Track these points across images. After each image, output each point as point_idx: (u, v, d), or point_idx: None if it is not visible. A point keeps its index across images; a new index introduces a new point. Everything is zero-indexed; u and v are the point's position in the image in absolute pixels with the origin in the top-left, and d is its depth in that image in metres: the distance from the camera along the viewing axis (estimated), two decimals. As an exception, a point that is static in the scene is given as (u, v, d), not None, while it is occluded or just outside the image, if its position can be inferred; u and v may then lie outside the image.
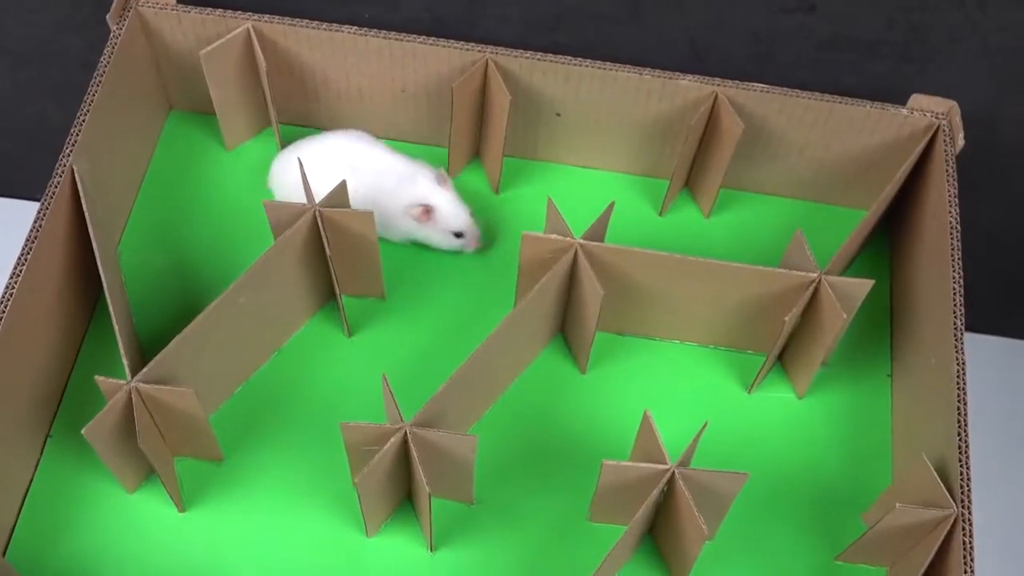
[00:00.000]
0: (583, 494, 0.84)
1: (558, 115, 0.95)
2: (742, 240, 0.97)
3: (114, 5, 0.90)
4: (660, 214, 0.98)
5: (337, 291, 0.87)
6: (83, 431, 0.75)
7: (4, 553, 0.82)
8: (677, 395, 0.90)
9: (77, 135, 0.85)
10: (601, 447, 0.87)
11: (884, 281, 0.96)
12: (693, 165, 0.95)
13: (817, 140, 0.92)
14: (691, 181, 0.97)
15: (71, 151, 0.84)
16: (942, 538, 0.75)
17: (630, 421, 0.86)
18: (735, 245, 0.97)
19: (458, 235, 0.92)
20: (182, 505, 0.84)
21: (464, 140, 0.95)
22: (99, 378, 0.77)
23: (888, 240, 0.98)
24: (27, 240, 0.80)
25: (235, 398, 0.89)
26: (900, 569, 0.80)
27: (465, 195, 0.98)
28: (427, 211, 0.90)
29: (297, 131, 1.00)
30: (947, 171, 0.88)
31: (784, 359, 0.91)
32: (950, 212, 0.85)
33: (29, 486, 0.84)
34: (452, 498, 0.85)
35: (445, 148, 0.98)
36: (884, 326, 0.94)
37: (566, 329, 0.91)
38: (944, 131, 0.89)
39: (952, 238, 0.84)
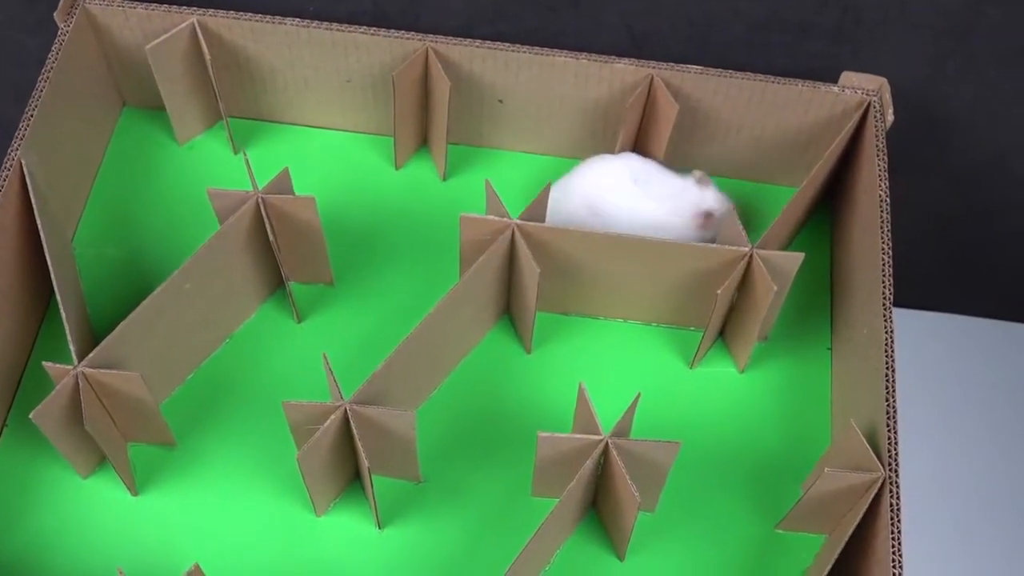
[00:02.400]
0: (526, 470, 0.86)
1: (500, 102, 0.97)
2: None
3: (61, 3, 0.92)
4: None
5: (285, 277, 0.89)
6: (31, 415, 0.77)
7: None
8: (621, 372, 0.92)
9: (25, 130, 0.87)
10: (545, 424, 0.89)
11: (825, 256, 0.98)
12: (633, 147, 0.97)
13: (753, 120, 0.94)
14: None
15: (19, 146, 0.86)
16: (871, 500, 0.77)
17: (572, 397, 0.88)
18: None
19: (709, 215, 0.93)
20: (135, 489, 0.86)
21: (409, 128, 0.97)
22: (47, 364, 0.79)
23: (829, 216, 1.00)
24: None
25: (187, 384, 0.90)
26: (835, 534, 0.82)
27: (413, 183, 1.00)
28: (708, 216, 0.91)
29: (248, 124, 1.02)
30: (878, 146, 0.90)
31: (724, 334, 0.93)
32: (880, 187, 0.87)
33: (-16, 473, 0.86)
34: (399, 476, 0.86)
35: (391, 137, 0.99)
36: (825, 300, 0.96)
37: (511, 310, 0.93)
38: (875, 107, 0.91)
39: (882, 212, 0.86)
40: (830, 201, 1.00)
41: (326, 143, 1.02)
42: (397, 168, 1.00)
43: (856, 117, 0.91)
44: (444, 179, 1.00)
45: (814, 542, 0.85)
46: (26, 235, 0.87)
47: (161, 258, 0.96)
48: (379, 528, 0.85)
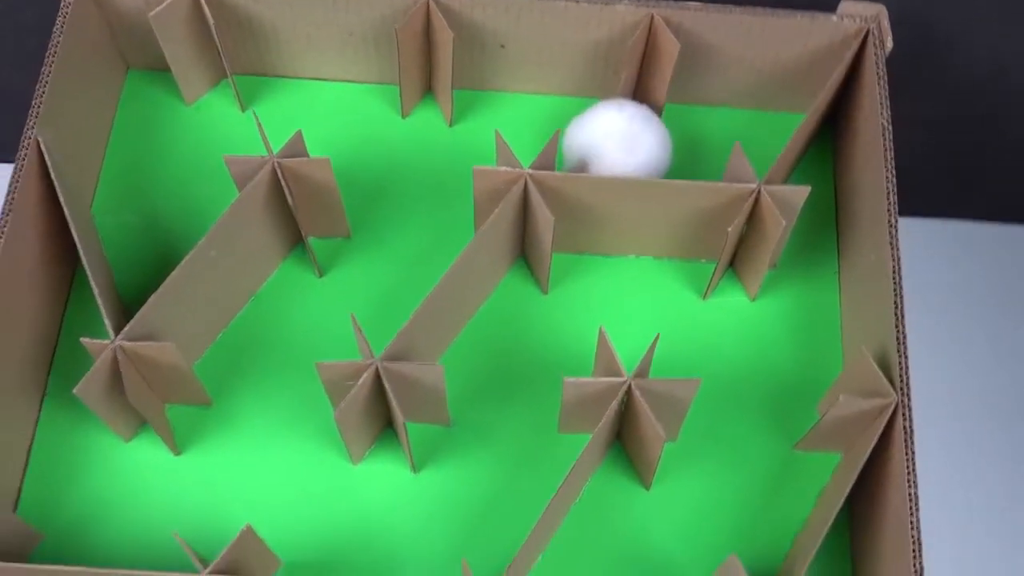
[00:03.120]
0: (551, 408, 0.90)
1: (502, 47, 0.97)
2: (691, 149, 1.01)
3: (62, -27, 0.93)
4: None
5: (304, 236, 0.91)
6: (74, 391, 0.80)
7: (15, 510, 0.87)
8: (636, 307, 0.95)
9: (39, 107, 0.88)
10: (566, 362, 0.92)
11: (829, 183, 1.00)
12: (637, 85, 0.98)
13: (753, 52, 0.96)
14: (636, 99, 1.01)
15: (34, 123, 0.88)
16: (885, 424, 0.80)
17: (591, 335, 0.91)
18: (685, 154, 1.00)
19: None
20: (176, 449, 0.89)
21: (413, 78, 0.98)
22: (84, 340, 0.81)
23: (831, 145, 1.02)
24: (2, 213, 0.84)
25: (217, 344, 0.93)
26: (851, 455, 0.85)
27: (420, 130, 1.01)
28: None
29: (253, 80, 1.03)
30: (878, 73, 0.91)
31: (735, 265, 0.95)
32: (881, 114, 0.89)
33: (31, 445, 0.89)
34: (429, 422, 0.90)
35: (396, 85, 1.01)
36: (830, 227, 0.98)
37: (526, 253, 0.95)
38: (873, 35, 0.92)
39: (884, 140, 0.88)
40: (831, 129, 1.02)
41: (332, 95, 1.03)
42: (404, 116, 1.02)
43: (855, 46, 0.93)
44: (451, 125, 1.02)
45: (830, 460, 0.89)
46: (48, 211, 0.89)
47: (180, 222, 0.98)
48: (414, 472, 0.89)
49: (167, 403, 0.91)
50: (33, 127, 0.87)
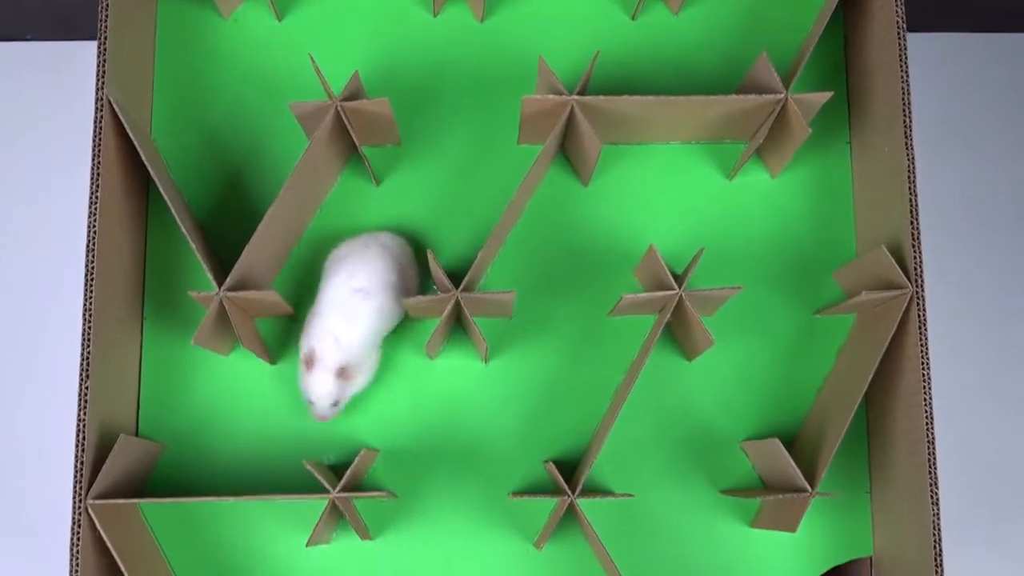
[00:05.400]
0: (602, 294, 1.01)
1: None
2: (710, 35, 1.06)
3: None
4: (632, 18, 1.06)
5: (359, 146, 0.97)
6: (193, 341, 0.90)
7: (136, 431, 0.99)
8: (670, 191, 1.03)
9: (104, 65, 0.92)
10: (610, 249, 1.02)
11: (841, 70, 1.06)
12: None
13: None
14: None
15: (103, 83, 0.92)
16: (902, 312, 0.92)
17: (633, 223, 1.02)
18: (703, 41, 1.06)
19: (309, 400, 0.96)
20: (270, 358, 1.00)
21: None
22: (192, 292, 0.91)
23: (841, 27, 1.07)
24: (91, 170, 0.91)
25: (293, 257, 1.02)
26: (867, 327, 0.98)
27: (453, 28, 1.05)
28: (308, 363, 0.94)
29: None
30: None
31: (759, 150, 1.03)
32: (896, 11, 0.95)
33: (140, 366, 1.00)
34: (493, 317, 1.01)
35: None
36: (842, 100, 1.05)
37: (566, 149, 1.02)
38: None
39: (899, 35, 0.95)
40: (841, 14, 1.06)
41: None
42: (435, 15, 1.06)
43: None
44: (481, 21, 1.06)
45: (845, 322, 1.02)
46: (124, 154, 0.95)
47: (236, 136, 1.03)
48: (485, 363, 1.01)
49: (254, 317, 1.01)
50: (103, 87, 0.92)
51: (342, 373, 0.93)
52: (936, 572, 0.90)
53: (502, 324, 1.01)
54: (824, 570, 0.99)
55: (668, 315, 0.92)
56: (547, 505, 0.97)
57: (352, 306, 0.93)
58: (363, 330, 0.93)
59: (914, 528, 0.91)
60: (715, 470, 1.00)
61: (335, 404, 0.94)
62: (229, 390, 1.00)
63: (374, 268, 0.94)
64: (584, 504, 0.92)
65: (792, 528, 0.91)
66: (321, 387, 0.93)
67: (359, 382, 0.96)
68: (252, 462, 0.99)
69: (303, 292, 1.01)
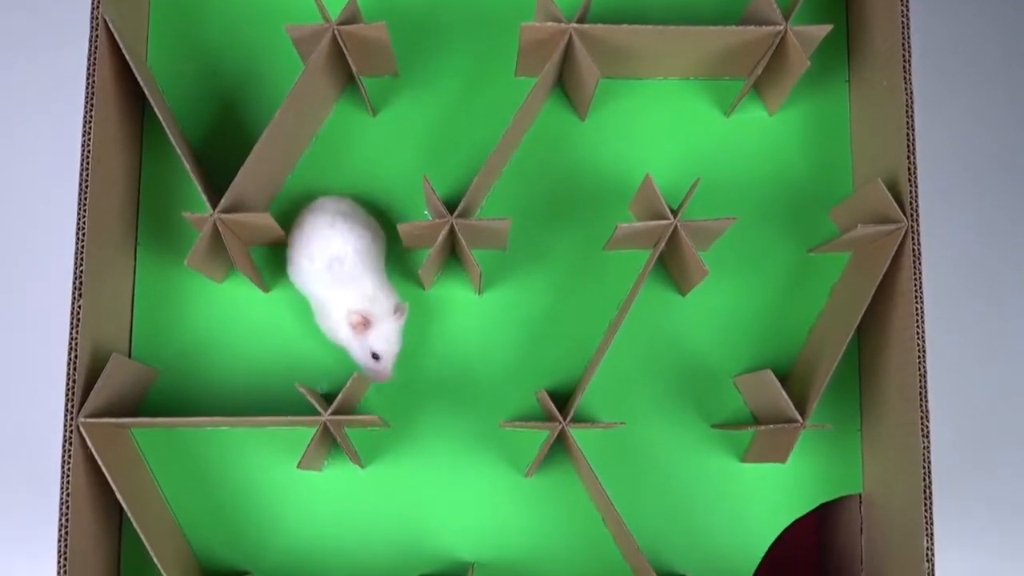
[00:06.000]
0: (598, 228, 1.01)
1: None
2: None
3: None
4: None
5: (356, 75, 0.97)
6: (186, 262, 0.90)
7: (129, 355, 0.99)
8: (667, 126, 1.03)
9: (97, -17, 0.92)
10: (605, 183, 1.02)
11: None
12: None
13: None
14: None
15: (99, 2, 0.92)
16: (896, 246, 0.92)
17: (627, 157, 1.02)
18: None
19: (375, 356, 0.95)
20: (264, 286, 1.00)
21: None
22: (186, 214, 0.90)
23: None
24: (86, 89, 0.90)
25: (287, 186, 1.02)
26: (861, 263, 0.98)
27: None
28: (365, 323, 0.94)
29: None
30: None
31: (756, 85, 1.03)
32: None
33: (134, 292, 1.00)
34: (488, 248, 1.01)
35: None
36: (841, 37, 1.05)
37: (564, 83, 1.02)
38: None
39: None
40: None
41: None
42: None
43: None
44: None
45: (840, 260, 1.02)
46: (119, 76, 0.95)
47: (232, 64, 1.02)
48: (479, 294, 1.01)
49: (248, 245, 1.00)
50: (99, 6, 0.91)
51: (400, 309, 0.94)
52: (925, 508, 0.90)
53: (497, 256, 1.01)
54: (813, 506, 1.00)
55: (663, 244, 0.92)
56: (538, 436, 0.98)
57: (340, 273, 0.93)
58: (369, 286, 0.94)
59: (904, 464, 0.92)
60: (707, 405, 1.01)
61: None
62: (223, 316, 1.00)
63: (342, 228, 0.94)
64: (575, 433, 0.92)
65: (782, 459, 0.91)
66: (389, 333, 0.94)
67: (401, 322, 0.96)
68: (245, 390, 0.99)
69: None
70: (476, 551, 0.99)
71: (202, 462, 0.99)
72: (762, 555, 0.99)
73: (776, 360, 1.01)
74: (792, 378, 0.98)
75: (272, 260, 1.01)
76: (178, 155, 0.92)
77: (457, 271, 1.01)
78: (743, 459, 0.99)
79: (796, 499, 1.00)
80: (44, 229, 1.18)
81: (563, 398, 0.99)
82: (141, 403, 0.98)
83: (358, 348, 0.95)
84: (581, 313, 1.01)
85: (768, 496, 1.00)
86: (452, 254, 1.01)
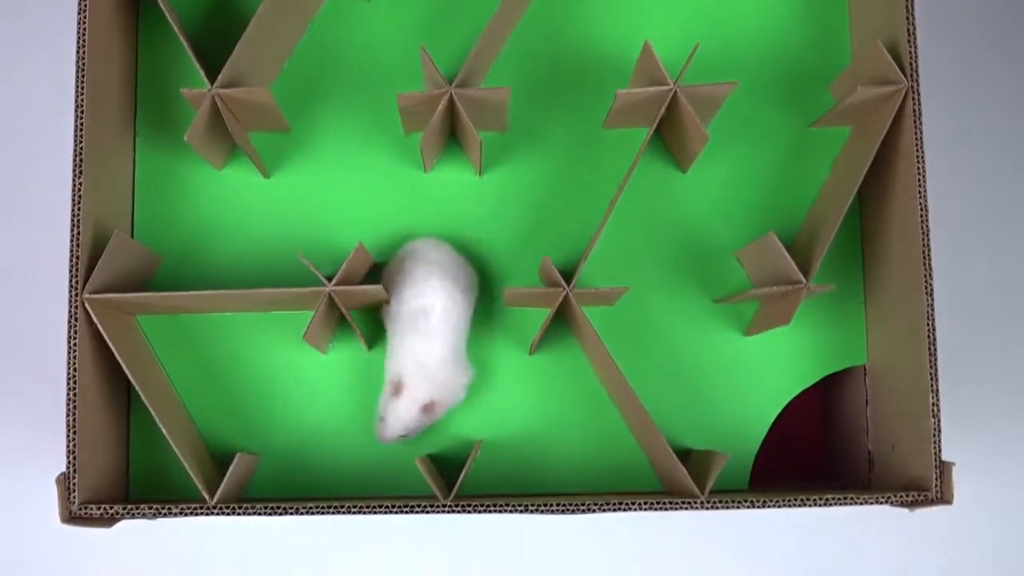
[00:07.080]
0: (597, 108, 1.00)
1: None
2: None
3: None
4: None
5: None
6: (186, 138, 0.90)
7: (132, 235, 0.99)
8: (667, 4, 1.03)
9: None
10: (605, 63, 1.02)
11: None
12: None
13: None
14: None
15: None
16: (896, 108, 0.92)
17: (626, 33, 1.01)
18: None
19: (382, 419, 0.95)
20: (265, 171, 1.00)
21: None
22: (184, 90, 0.90)
23: None
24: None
25: (284, 73, 1.01)
26: (862, 132, 0.98)
27: None
28: (396, 389, 0.94)
29: None
30: None
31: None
32: None
33: (134, 178, 1.00)
34: (488, 129, 1.00)
35: None
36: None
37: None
38: None
39: None
40: None
41: None
42: None
43: None
44: None
45: (841, 135, 1.01)
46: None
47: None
48: (479, 176, 1.01)
49: (250, 131, 1.00)
50: None
51: (429, 408, 0.94)
52: (930, 376, 0.90)
53: (497, 138, 1.01)
54: (819, 377, 1.00)
55: (663, 111, 0.91)
56: (542, 316, 0.98)
57: (423, 325, 0.93)
58: (441, 347, 0.93)
59: (908, 330, 0.92)
60: (710, 281, 1.01)
61: (404, 435, 0.95)
62: (223, 202, 1.00)
63: (436, 284, 0.94)
64: (581, 306, 0.92)
65: (786, 321, 0.92)
66: (405, 415, 0.94)
67: (440, 414, 0.96)
68: (247, 276, 0.99)
69: (298, 109, 1.01)
70: (482, 429, 0.99)
71: (207, 348, 0.99)
72: (768, 428, 1.00)
73: (778, 235, 1.00)
74: (795, 248, 0.98)
75: (272, 146, 1.00)
76: (175, 34, 0.91)
77: (457, 153, 1.01)
78: (747, 332, 1.00)
79: (801, 371, 1.00)
80: (44, 116, 1.17)
81: (566, 276, 0.99)
82: (145, 290, 0.98)
83: (382, 398, 0.95)
84: (582, 193, 1.01)
85: (773, 369, 1.00)
86: (452, 138, 1.00)
